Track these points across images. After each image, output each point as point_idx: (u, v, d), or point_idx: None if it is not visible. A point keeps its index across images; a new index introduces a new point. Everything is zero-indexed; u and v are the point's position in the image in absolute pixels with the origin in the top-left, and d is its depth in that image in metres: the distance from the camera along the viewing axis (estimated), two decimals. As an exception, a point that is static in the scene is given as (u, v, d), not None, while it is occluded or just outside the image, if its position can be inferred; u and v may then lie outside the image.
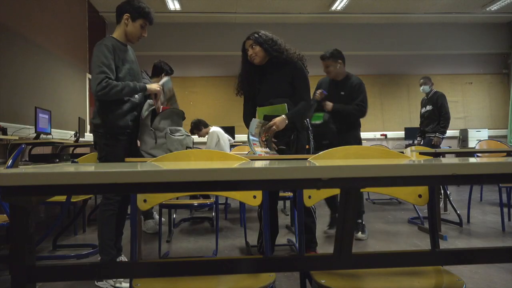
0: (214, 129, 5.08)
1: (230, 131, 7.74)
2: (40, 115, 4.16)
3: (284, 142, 2.62)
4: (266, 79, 2.69)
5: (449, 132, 8.65)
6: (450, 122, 5.79)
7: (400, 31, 8.73)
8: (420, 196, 1.45)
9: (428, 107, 5.84)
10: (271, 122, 2.56)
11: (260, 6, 7.66)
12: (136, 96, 2.53)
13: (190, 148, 2.63)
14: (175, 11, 7.64)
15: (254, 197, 1.47)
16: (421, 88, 5.93)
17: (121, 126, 2.46)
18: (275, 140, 2.63)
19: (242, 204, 4.34)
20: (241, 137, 7.72)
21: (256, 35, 2.63)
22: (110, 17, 7.68)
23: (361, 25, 8.66)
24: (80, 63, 6.40)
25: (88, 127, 6.62)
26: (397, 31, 8.73)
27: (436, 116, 5.75)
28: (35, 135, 4.10)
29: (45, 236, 3.08)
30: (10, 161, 2.44)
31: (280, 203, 4.83)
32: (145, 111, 2.56)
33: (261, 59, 2.64)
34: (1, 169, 1.32)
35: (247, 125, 2.78)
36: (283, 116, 2.54)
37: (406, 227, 3.87)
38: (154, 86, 2.54)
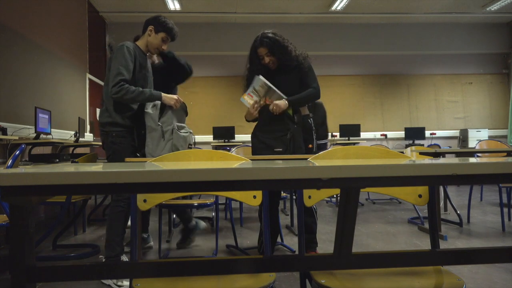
0: None
1: (230, 131, 7.75)
2: (40, 115, 4.16)
3: (281, 142, 2.61)
4: (277, 79, 2.71)
5: (449, 132, 8.74)
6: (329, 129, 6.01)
7: (400, 31, 8.73)
8: (420, 196, 1.45)
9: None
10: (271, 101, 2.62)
11: (260, 6, 7.66)
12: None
13: (191, 145, 2.65)
14: (175, 11, 7.64)
15: (254, 197, 1.47)
16: None
17: (127, 125, 2.53)
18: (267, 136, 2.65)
19: (242, 204, 4.35)
20: (241, 137, 7.72)
21: (269, 41, 2.62)
22: (110, 17, 7.67)
23: (361, 25, 8.66)
24: (80, 63, 6.40)
25: (88, 127, 6.62)
26: (397, 31, 8.73)
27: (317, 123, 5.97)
28: (35, 135, 4.10)
29: (45, 236, 3.07)
30: (10, 161, 2.44)
31: (280, 203, 4.83)
32: (152, 106, 2.59)
33: (276, 65, 2.71)
34: (1, 169, 1.32)
35: (250, 120, 2.79)
36: (284, 100, 2.60)
37: (406, 227, 3.87)
38: (173, 96, 2.62)
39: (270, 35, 2.65)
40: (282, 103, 2.59)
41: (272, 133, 2.63)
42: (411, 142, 8.20)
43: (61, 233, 3.38)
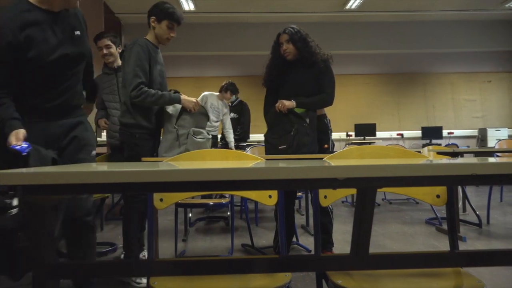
0: (206, 93, 5.50)
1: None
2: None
3: (285, 140, 2.61)
4: (293, 73, 2.74)
5: (467, 132, 8.58)
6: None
7: (416, 29, 8.61)
8: (438, 196, 1.42)
9: (233, 115, 5.94)
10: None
11: (274, 6, 7.64)
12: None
13: None
14: (190, 11, 7.69)
15: (270, 196, 1.47)
16: None
17: (150, 127, 2.53)
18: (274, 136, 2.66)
19: (257, 204, 4.35)
20: (256, 136, 7.72)
21: (292, 30, 2.69)
22: (125, 18, 7.76)
23: (376, 23, 8.57)
24: (97, 64, 6.48)
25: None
26: (413, 29, 8.60)
27: (238, 123, 5.88)
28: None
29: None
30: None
31: (296, 203, 4.81)
32: (172, 107, 2.60)
33: (293, 56, 2.72)
34: (21, 169, 1.34)
35: (266, 117, 2.81)
36: (292, 101, 2.64)
37: (424, 228, 3.81)
38: (191, 99, 2.60)
39: (295, 26, 2.73)
40: (288, 102, 2.63)
41: (278, 133, 2.66)
42: (428, 141, 8.08)
43: (79, 231, 3.43)
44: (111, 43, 3.08)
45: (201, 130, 2.63)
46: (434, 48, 8.65)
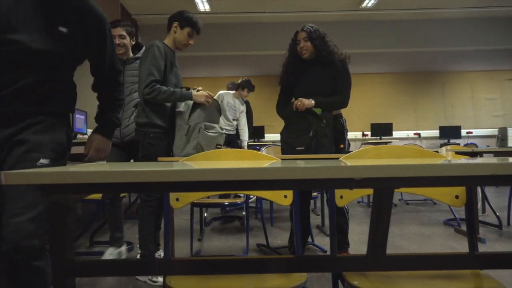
0: (222, 91, 5.45)
1: (259, 130, 7.75)
2: (77, 115, 4.30)
3: (303, 140, 2.59)
4: (310, 72, 2.72)
5: (486, 131, 8.40)
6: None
7: (433, 26, 8.46)
8: (457, 197, 1.40)
9: None
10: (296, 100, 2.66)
11: (289, 5, 7.62)
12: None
13: (220, 145, 2.64)
14: (205, 12, 7.72)
15: (285, 196, 1.46)
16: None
17: (164, 126, 2.55)
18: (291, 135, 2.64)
19: (272, 204, 4.34)
20: (271, 136, 7.72)
21: (310, 28, 2.68)
22: (142, 20, 7.85)
23: (393, 21, 8.45)
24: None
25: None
26: (430, 26, 8.46)
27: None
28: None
29: (83, 232, 3.17)
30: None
31: (311, 203, 4.78)
32: (183, 105, 2.62)
33: (310, 55, 2.70)
34: (42, 168, 1.37)
35: (280, 114, 2.79)
36: (311, 100, 2.61)
37: (442, 229, 3.75)
38: (203, 93, 2.61)
39: (313, 25, 2.73)
40: (307, 100, 2.60)
41: (294, 132, 2.64)
42: (446, 141, 7.95)
43: (98, 230, 3.49)
44: (125, 34, 2.92)
45: (213, 124, 2.63)
46: (452, 46, 8.48)
